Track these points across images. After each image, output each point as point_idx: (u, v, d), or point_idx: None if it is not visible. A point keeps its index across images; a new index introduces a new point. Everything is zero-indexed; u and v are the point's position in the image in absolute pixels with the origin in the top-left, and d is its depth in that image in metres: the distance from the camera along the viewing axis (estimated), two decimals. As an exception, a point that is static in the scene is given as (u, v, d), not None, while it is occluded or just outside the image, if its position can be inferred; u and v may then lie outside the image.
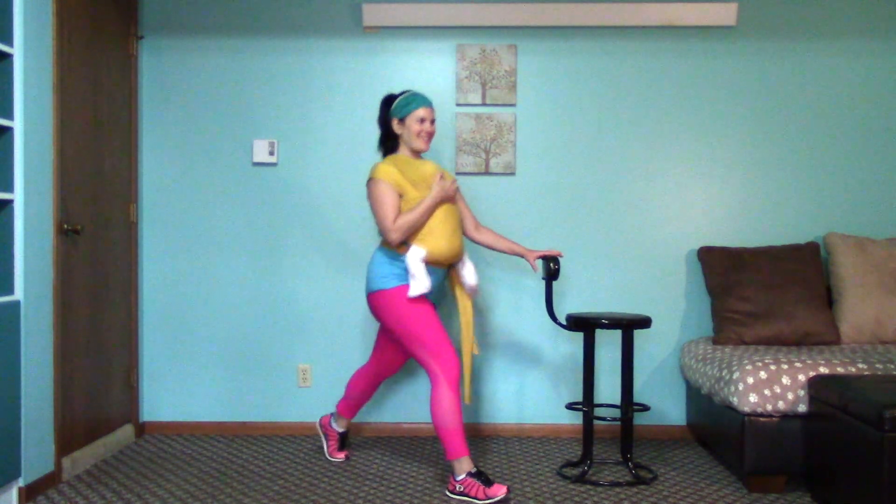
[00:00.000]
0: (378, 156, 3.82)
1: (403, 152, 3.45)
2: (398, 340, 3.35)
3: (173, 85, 4.22)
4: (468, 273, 3.46)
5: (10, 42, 3.11)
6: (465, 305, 3.49)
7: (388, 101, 3.48)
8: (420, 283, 3.25)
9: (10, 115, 3.11)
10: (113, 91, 3.91)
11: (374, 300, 3.35)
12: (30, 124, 3.19)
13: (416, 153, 3.46)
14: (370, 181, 3.36)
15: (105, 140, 3.83)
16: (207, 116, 4.22)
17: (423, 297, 3.31)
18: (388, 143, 3.50)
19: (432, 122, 3.43)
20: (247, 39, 4.22)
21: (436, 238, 3.31)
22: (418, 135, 3.40)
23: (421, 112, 3.39)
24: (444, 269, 3.43)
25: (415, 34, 4.21)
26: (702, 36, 4.19)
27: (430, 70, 4.21)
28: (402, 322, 3.28)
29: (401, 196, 3.33)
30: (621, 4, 4.12)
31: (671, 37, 4.19)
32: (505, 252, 3.60)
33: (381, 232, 3.33)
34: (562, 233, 4.21)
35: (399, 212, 3.31)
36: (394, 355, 3.62)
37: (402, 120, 3.42)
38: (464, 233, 3.59)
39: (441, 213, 3.34)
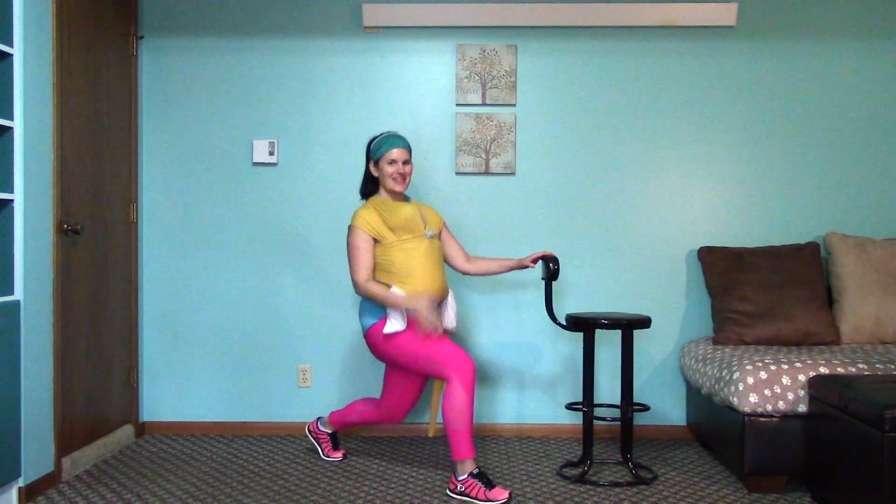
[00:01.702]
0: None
1: (384, 194, 3.50)
2: (407, 368, 3.35)
3: (173, 85, 4.22)
4: (448, 317, 3.49)
5: (10, 42, 3.11)
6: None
7: (370, 142, 3.54)
8: (396, 322, 3.28)
9: (10, 115, 3.11)
10: (113, 91, 3.91)
11: (371, 337, 3.38)
12: (30, 124, 3.19)
13: (396, 194, 3.48)
14: (350, 228, 3.41)
15: (105, 140, 3.83)
16: (207, 116, 4.22)
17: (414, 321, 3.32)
18: (369, 185, 3.54)
19: (405, 162, 3.46)
20: (247, 39, 4.22)
21: (415, 280, 3.34)
22: (391, 177, 3.44)
23: (393, 153, 3.43)
24: (436, 304, 3.45)
25: (415, 34, 4.21)
26: (702, 36, 4.19)
27: (430, 70, 4.21)
28: (404, 347, 3.29)
29: (379, 241, 3.37)
30: (621, 4, 4.12)
31: (671, 37, 4.19)
32: (502, 272, 3.64)
33: (352, 280, 3.38)
34: (562, 233, 4.21)
35: (372, 263, 3.36)
36: (399, 398, 3.56)
37: (376, 162, 3.47)
38: (456, 268, 3.63)
39: (420, 255, 3.38)
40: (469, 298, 4.21)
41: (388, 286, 3.33)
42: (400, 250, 3.37)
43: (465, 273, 3.63)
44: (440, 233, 3.57)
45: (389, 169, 3.43)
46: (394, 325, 3.29)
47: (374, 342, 3.38)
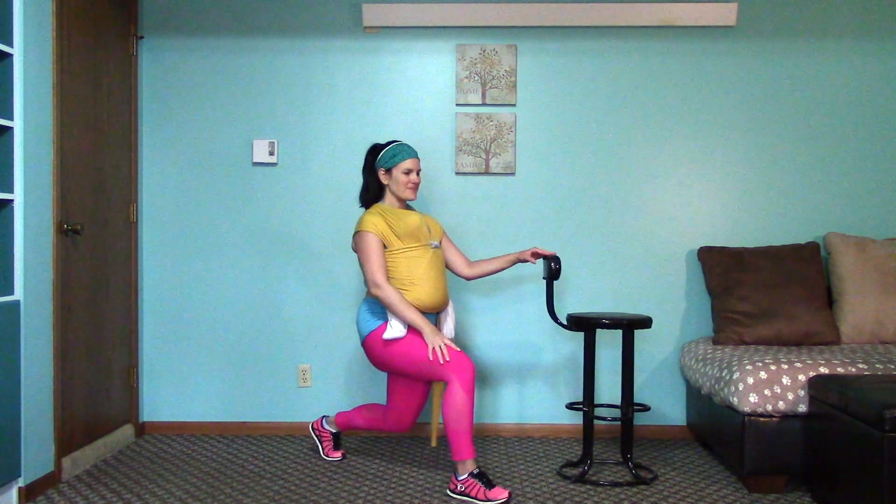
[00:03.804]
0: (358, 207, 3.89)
1: (390, 201, 3.52)
2: (407, 374, 3.35)
3: (173, 85, 4.22)
4: (447, 327, 3.52)
5: (10, 42, 3.11)
6: None
7: (375, 150, 3.55)
8: (396, 328, 3.29)
9: (10, 115, 3.11)
10: (113, 91, 3.91)
11: (369, 345, 3.39)
12: (30, 124, 3.19)
13: (402, 202, 3.52)
14: (357, 234, 3.40)
15: (105, 140, 3.83)
16: (207, 116, 4.22)
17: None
18: (371, 192, 3.54)
19: (418, 172, 3.51)
20: (246, 39, 4.22)
21: (419, 288, 3.37)
22: (406, 185, 3.47)
23: (408, 164, 3.47)
24: (435, 314, 3.49)
25: (415, 34, 4.21)
26: (702, 36, 4.19)
27: (430, 70, 4.21)
28: (403, 352, 3.30)
29: (385, 247, 3.38)
30: (621, 4, 4.12)
31: (671, 37, 4.19)
32: (504, 268, 3.65)
33: (367, 283, 3.36)
34: (562, 233, 4.21)
35: (384, 263, 3.35)
36: (405, 407, 3.55)
37: (388, 171, 3.49)
38: (459, 275, 3.65)
39: (426, 264, 3.40)
40: (469, 298, 4.21)
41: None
42: (405, 258, 3.38)
43: (468, 279, 3.65)
44: (440, 241, 3.59)
45: (404, 178, 3.47)
46: (394, 330, 3.30)
47: (374, 348, 3.37)
